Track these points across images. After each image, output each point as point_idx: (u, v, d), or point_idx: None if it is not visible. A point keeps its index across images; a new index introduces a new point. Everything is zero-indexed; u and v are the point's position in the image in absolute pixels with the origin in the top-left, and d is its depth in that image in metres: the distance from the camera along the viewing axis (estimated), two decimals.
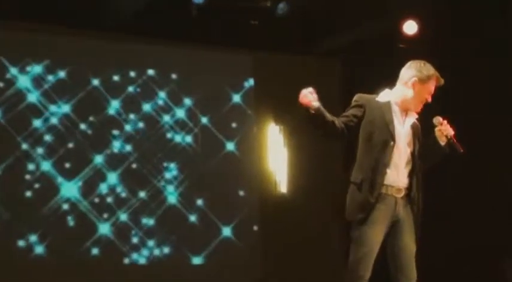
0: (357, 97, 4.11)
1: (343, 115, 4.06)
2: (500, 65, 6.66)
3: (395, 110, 4.09)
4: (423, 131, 4.18)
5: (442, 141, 4.07)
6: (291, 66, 7.87)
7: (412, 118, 4.12)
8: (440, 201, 6.57)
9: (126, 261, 7.29)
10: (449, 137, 4.05)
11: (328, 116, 3.91)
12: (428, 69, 4.08)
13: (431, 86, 4.08)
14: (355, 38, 7.33)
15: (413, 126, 4.12)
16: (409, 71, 4.10)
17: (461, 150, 4.03)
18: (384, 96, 4.13)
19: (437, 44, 6.87)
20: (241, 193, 7.79)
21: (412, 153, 4.07)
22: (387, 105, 4.08)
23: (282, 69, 7.86)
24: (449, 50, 6.75)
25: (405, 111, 4.11)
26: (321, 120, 3.88)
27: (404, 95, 4.09)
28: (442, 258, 6.72)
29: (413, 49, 6.92)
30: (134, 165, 7.42)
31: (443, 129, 4.05)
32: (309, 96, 3.84)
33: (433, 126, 4.10)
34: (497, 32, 6.60)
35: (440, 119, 4.08)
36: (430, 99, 4.09)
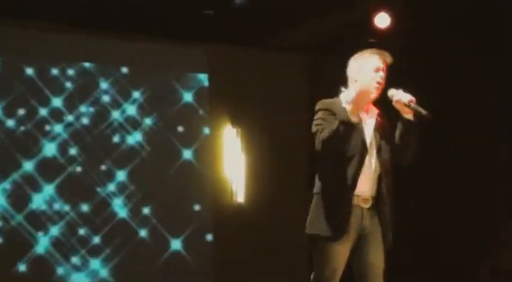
0: (322, 105, 3.90)
1: (323, 123, 3.78)
2: (479, 63, 6.41)
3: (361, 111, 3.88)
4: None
5: (406, 114, 3.79)
6: (249, 62, 7.55)
7: (373, 117, 3.91)
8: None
9: None
10: (408, 103, 3.75)
11: None
12: (362, 52, 3.93)
13: (373, 65, 3.85)
14: (321, 30, 7.04)
15: (376, 124, 3.91)
16: (349, 66, 3.94)
17: (427, 114, 3.71)
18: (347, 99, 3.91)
19: (412, 38, 6.60)
20: (194, 203, 7.34)
21: (380, 156, 3.87)
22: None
23: (239, 65, 7.51)
24: (425, 45, 6.55)
25: (366, 110, 3.89)
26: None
27: (356, 91, 3.79)
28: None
29: (386, 44, 6.46)
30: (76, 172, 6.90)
31: (399, 99, 3.78)
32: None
33: (390, 101, 3.84)
34: (476, 28, 6.33)
35: (394, 89, 3.82)
36: (379, 80, 3.84)
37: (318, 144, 3.74)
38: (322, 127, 3.75)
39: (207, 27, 7.00)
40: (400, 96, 3.76)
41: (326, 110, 3.84)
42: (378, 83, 3.82)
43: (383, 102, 3.91)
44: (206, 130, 7.49)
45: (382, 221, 3.85)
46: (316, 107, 3.88)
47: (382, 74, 3.84)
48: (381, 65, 3.84)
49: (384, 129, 3.91)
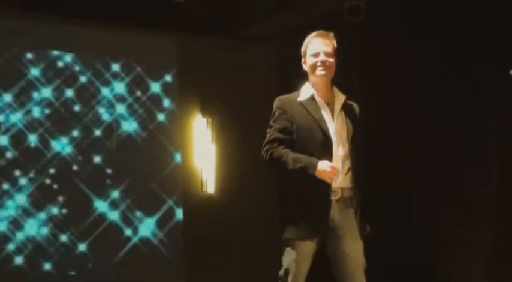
0: (278, 103, 3.89)
1: (280, 137, 3.82)
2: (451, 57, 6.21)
3: (320, 102, 3.84)
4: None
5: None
6: (219, 52, 7.36)
7: (339, 103, 3.86)
8: None
9: None
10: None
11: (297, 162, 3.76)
12: (309, 36, 3.95)
13: (313, 46, 3.86)
14: (292, 21, 6.86)
15: (343, 109, 3.87)
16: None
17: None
18: (306, 92, 3.89)
19: (384, 30, 6.46)
20: (162, 193, 7.16)
21: (349, 142, 3.81)
22: (311, 100, 3.84)
23: (210, 54, 7.32)
24: (399, 37, 6.34)
25: (328, 97, 3.86)
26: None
27: (310, 78, 3.87)
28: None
29: (358, 36, 6.46)
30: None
31: None
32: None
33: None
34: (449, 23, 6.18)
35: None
36: (320, 58, 3.81)
37: (267, 155, 3.82)
38: (269, 134, 3.85)
39: (176, 16, 6.84)
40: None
41: (279, 109, 3.85)
42: (321, 63, 3.80)
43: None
44: (176, 121, 7.28)
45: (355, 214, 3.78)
46: (274, 105, 3.89)
47: (322, 57, 3.80)
48: (320, 49, 3.81)
49: (352, 111, 3.90)
